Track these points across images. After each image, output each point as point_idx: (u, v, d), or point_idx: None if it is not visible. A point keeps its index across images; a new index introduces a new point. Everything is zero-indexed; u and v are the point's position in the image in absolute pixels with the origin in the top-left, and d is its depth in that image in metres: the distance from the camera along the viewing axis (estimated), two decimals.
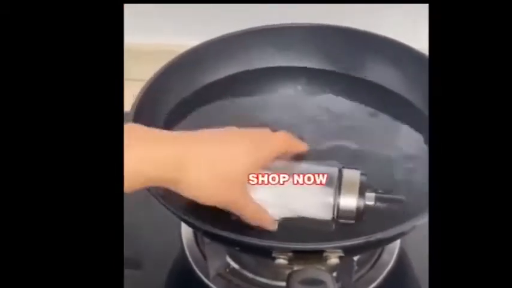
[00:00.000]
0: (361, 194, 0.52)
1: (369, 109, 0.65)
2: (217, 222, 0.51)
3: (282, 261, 0.49)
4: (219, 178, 0.49)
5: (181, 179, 0.48)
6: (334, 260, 0.48)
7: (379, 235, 0.49)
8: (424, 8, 0.46)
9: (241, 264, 0.61)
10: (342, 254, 0.48)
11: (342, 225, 0.53)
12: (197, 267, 0.62)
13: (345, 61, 0.69)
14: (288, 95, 0.68)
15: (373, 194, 0.53)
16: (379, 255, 0.62)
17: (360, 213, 0.52)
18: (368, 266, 0.61)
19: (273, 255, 0.49)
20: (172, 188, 0.49)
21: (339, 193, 0.52)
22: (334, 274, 0.54)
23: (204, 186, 0.49)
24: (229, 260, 0.61)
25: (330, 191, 0.52)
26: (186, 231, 0.65)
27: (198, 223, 0.51)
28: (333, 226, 0.53)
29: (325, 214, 0.53)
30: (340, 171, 0.53)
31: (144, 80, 0.63)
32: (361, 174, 0.53)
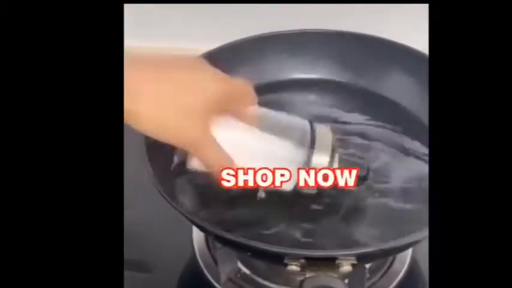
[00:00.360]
0: (333, 154, 0.49)
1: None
2: (230, 226, 0.51)
3: (294, 267, 0.48)
4: (175, 110, 0.44)
5: (134, 110, 0.43)
6: (346, 267, 0.48)
7: (393, 243, 0.48)
8: (424, 8, 0.45)
9: (253, 269, 0.61)
10: (354, 262, 0.48)
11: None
12: (208, 271, 0.62)
13: (358, 69, 0.69)
14: (301, 104, 0.68)
15: (337, 155, 0.49)
16: (391, 264, 0.62)
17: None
18: (379, 274, 0.61)
19: (285, 261, 0.49)
20: (128, 120, 0.44)
21: (312, 152, 0.49)
22: (346, 281, 0.54)
23: (158, 118, 0.44)
24: (240, 265, 0.61)
25: (302, 150, 0.49)
26: (197, 235, 0.65)
27: (210, 227, 0.51)
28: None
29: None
30: (311, 126, 0.50)
31: None
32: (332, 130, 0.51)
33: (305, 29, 0.70)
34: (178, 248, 0.65)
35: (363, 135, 0.63)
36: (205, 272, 0.62)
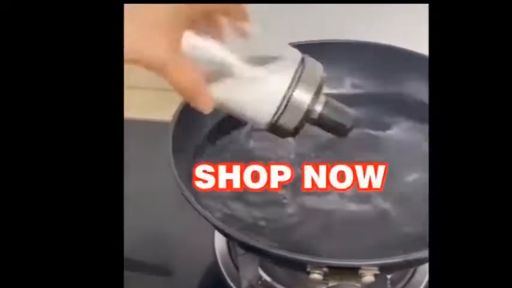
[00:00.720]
0: (317, 93, 0.44)
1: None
2: (253, 233, 0.51)
3: (316, 276, 0.49)
4: (139, 25, 0.40)
5: None
6: (369, 277, 0.48)
7: (417, 254, 0.48)
8: (424, 8, 0.45)
9: (274, 277, 0.60)
10: (377, 272, 0.48)
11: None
12: (229, 278, 0.62)
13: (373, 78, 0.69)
14: None
15: (324, 98, 0.45)
16: (412, 275, 0.62)
17: (306, 116, 0.44)
18: (401, 285, 0.61)
19: (308, 269, 0.49)
20: None
21: (296, 86, 0.44)
22: None
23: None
24: (261, 272, 0.61)
25: (286, 82, 0.43)
26: (219, 240, 0.65)
27: (234, 233, 0.51)
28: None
29: (268, 109, 0.44)
30: (302, 60, 0.45)
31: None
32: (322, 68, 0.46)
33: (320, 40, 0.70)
34: (199, 253, 0.65)
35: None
36: (227, 278, 0.62)
